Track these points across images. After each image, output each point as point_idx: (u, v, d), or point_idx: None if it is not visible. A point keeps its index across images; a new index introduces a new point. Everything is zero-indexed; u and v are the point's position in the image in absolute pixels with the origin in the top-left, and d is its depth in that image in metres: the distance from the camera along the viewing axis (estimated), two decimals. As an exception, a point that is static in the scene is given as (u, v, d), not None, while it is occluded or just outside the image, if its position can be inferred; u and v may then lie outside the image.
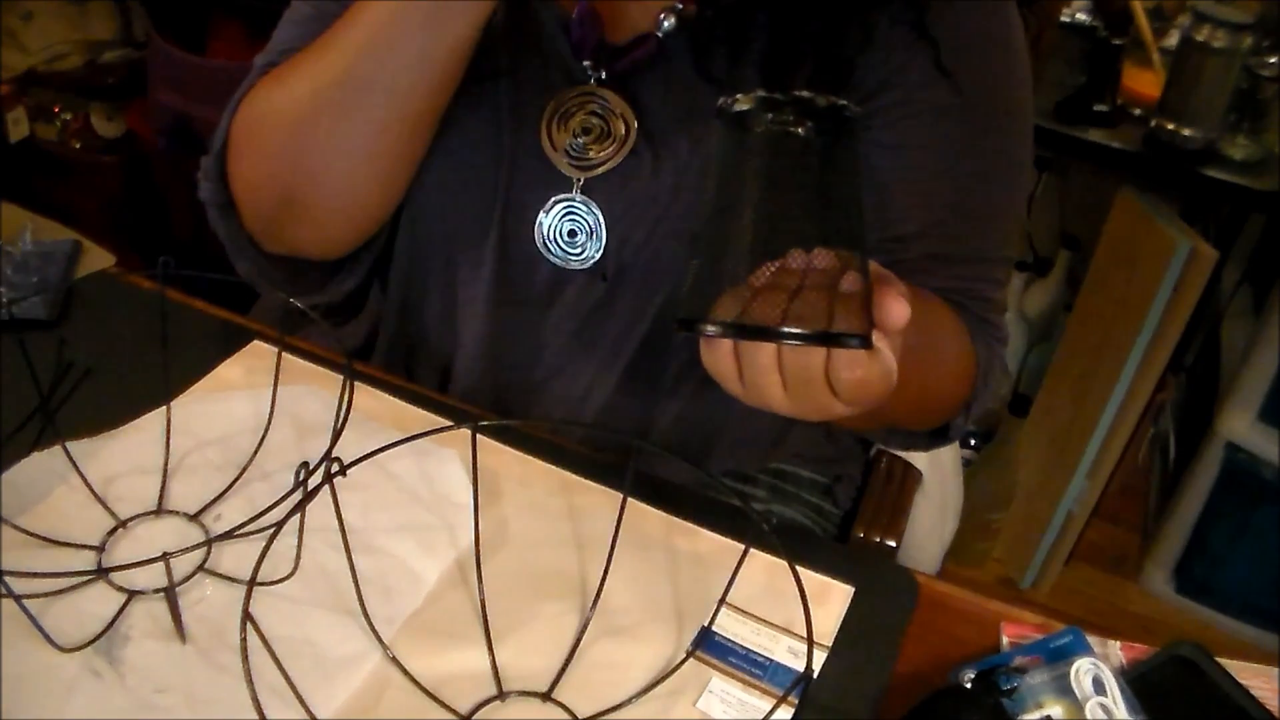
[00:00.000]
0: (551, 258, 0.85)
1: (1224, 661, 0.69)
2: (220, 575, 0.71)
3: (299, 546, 0.68)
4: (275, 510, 0.71)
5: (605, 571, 0.71)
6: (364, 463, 0.67)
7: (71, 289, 0.95)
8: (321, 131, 0.78)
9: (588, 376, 0.90)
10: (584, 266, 0.85)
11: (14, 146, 2.04)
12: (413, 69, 0.75)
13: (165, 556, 0.63)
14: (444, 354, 0.94)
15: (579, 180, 0.82)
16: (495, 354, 0.91)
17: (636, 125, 0.81)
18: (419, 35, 0.74)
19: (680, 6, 0.81)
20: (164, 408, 0.81)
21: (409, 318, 0.96)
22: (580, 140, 0.82)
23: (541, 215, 0.84)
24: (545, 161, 0.83)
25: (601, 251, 0.84)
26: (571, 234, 0.84)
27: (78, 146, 2.11)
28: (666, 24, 0.81)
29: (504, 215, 0.85)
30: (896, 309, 0.55)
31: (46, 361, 0.84)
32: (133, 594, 0.68)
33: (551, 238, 0.84)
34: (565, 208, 0.83)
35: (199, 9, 2.01)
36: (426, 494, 0.78)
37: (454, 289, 0.91)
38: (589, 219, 0.83)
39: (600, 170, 0.82)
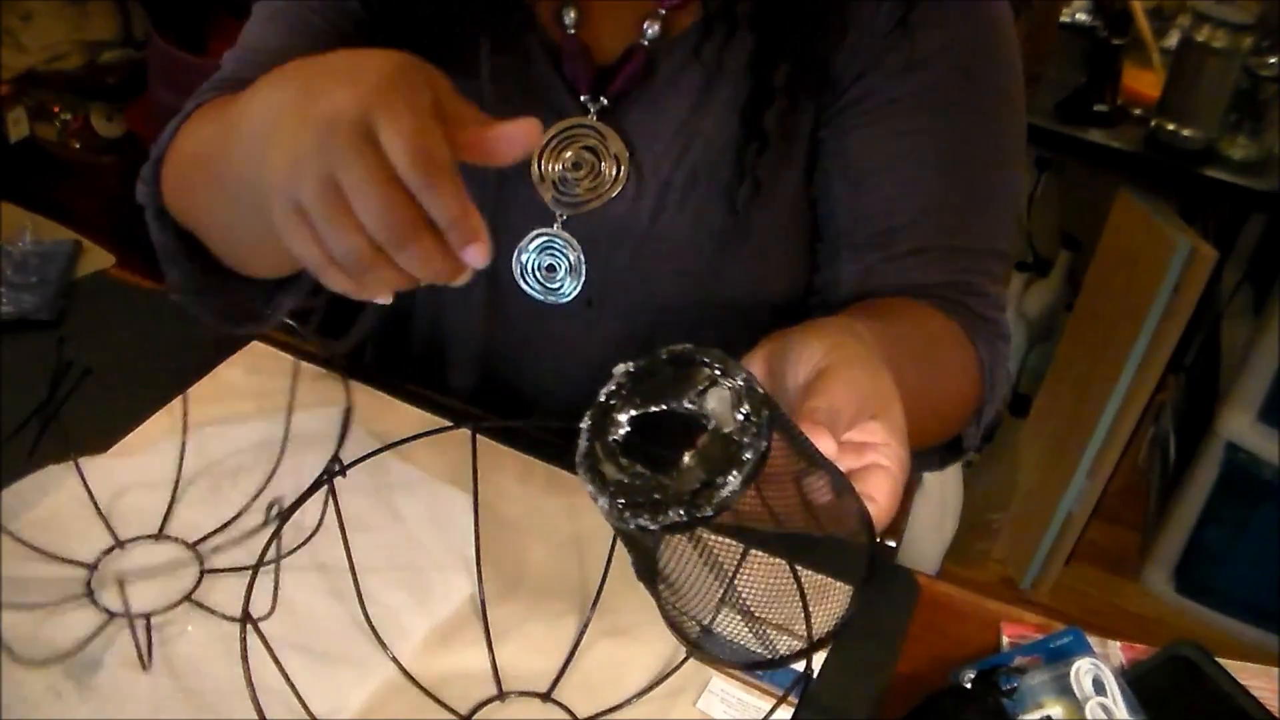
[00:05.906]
0: (530, 291, 0.84)
1: (1224, 661, 0.70)
2: (206, 608, 0.69)
3: (302, 545, 0.68)
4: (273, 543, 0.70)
5: (605, 571, 0.71)
6: (370, 504, 0.66)
7: (71, 289, 0.95)
8: (211, 236, 0.75)
9: (578, 400, 0.90)
10: (561, 301, 0.83)
11: (14, 146, 2.04)
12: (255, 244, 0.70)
13: (147, 617, 0.61)
14: (433, 374, 0.93)
15: (561, 216, 0.81)
16: (487, 377, 0.90)
17: (629, 159, 0.80)
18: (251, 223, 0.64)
19: (664, 12, 0.80)
20: (180, 423, 0.80)
21: (392, 340, 0.95)
22: (571, 175, 0.81)
23: (521, 248, 0.83)
24: (531, 192, 0.82)
25: (580, 287, 0.83)
26: (550, 269, 0.83)
27: (78, 146, 2.11)
28: (650, 31, 0.80)
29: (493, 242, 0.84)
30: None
31: (46, 361, 0.84)
32: (113, 615, 0.67)
33: (530, 271, 0.83)
34: (544, 242, 0.82)
35: (199, 9, 2.01)
36: (432, 540, 0.76)
37: (440, 313, 0.90)
38: (569, 255, 0.82)
39: (584, 209, 0.81)
